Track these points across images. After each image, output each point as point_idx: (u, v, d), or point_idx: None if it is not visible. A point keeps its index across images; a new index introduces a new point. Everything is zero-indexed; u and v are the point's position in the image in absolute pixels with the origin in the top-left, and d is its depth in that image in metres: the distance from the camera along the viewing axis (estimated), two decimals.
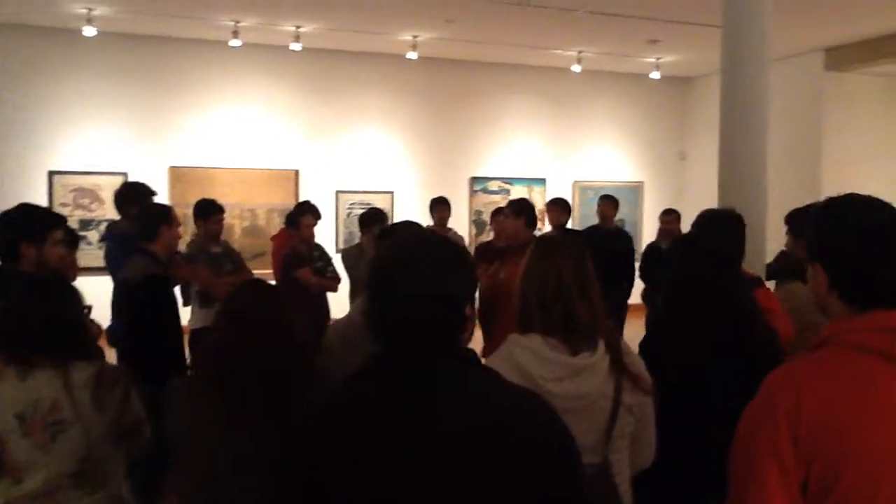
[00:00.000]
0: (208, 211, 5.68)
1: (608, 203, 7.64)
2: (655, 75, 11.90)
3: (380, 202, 11.61)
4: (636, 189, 13.13)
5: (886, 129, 11.44)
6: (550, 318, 2.10)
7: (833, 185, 10.27)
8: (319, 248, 6.47)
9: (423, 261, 1.49)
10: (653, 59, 11.60)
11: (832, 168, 10.60)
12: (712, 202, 9.42)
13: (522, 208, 5.15)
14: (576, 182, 12.73)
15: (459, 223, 11.13)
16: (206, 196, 6.23)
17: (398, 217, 11.51)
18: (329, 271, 6.31)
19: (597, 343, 2.08)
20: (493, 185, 12.25)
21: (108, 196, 9.55)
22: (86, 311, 2.59)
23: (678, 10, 9.02)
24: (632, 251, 7.54)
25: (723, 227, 3.35)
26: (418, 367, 1.46)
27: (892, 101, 11.51)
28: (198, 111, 10.64)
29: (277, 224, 11.19)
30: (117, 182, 10.75)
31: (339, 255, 6.76)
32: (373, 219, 6.60)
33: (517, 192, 12.38)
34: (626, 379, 2.10)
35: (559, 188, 12.45)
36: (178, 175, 10.55)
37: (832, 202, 1.64)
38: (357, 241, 10.21)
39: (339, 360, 2.34)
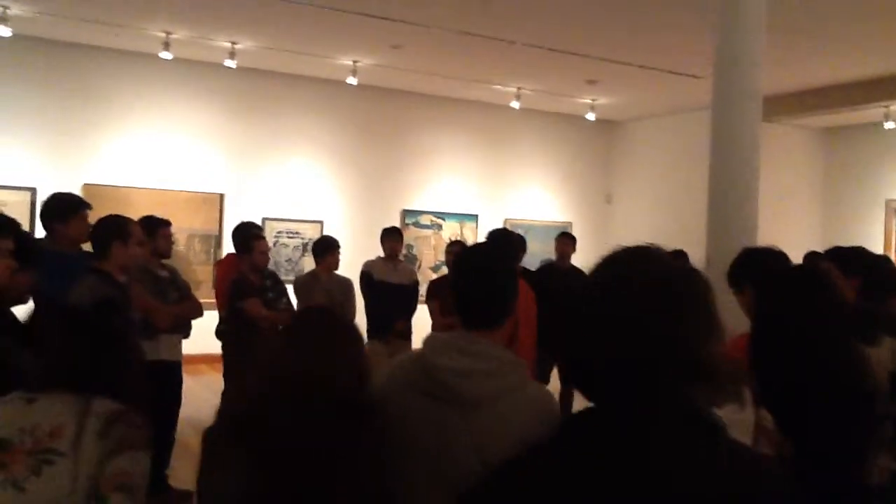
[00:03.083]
0: (152, 226, 5.10)
1: (567, 240, 7.44)
2: (590, 116, 11.95)
3: (308, 231, 11.13)
4: (565, 229, 13.05)
5: (809, 180, 11.84)
6: None
7: (767, 233, 10.52)
8: (273, 275, 5.95)
9: (647, 290, 1.15)
10: (589, 101, 11.64)
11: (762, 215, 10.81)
12: (638, 242, 9.47)
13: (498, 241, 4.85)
14: (507, 220, 12.58)
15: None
16: None
17: None
18: (283, 303, 5.80)
19: (741, 394, 1.76)
20: (425, 220, 11.95)
21: (13, 212, 8.68)
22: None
23: (617, 49, 9.03)
24: None
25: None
26: (635, 427, 1.11)
27: (813, 153, 11.92)
28: (118, 126, 9.92)
29: (199, 250, 10.55)
30: (23, 198, 9.93)
31: (292, 286, 6.28)
32: (327, 247, 6.18)
33: (449, 227, 12.16)
34: (762, 433, 1.80)
35: (491, 225, 12.25)
36: (92, 194, 9.68)
37: None
38: (289, 270, 9.87)
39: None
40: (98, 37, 9.27)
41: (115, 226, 3.71)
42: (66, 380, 1.93)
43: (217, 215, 10.63)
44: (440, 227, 12.12)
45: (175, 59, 9.38)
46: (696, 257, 6.81)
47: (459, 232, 12.19)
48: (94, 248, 3.67)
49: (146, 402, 2.18)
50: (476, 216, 12.38)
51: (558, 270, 7.20)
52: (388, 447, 1.80)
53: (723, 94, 4.82)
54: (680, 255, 5.99)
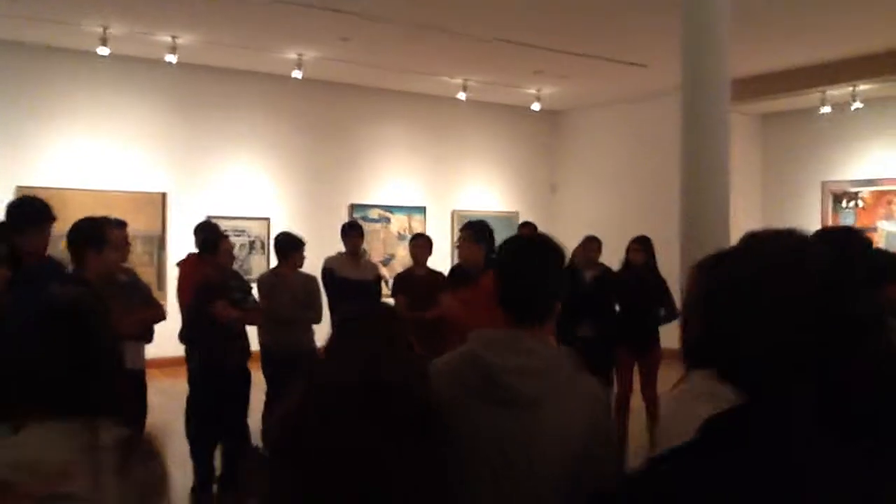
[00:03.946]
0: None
1: (529, 230, 7.42)
2: (536, 107, 11.99)
3: (255, 229, 10.89)
4: (512, 219, 13.10)
5: (748, 164, 12.11)
6: None
7: None
8: (237, 275, 5.77)
9: (820, 270, 1.09)
10: (534, 91, 11.67)
11: None
12: (583, 230, 9.64)
13: (481, 234, 4.79)
14: (454, 211, 12.55)
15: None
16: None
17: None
18: (250, 302, 5.63)
19: None
20: (374, 213, 11.81)
21: None
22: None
23: (564, 39, 9.06)
24: None
25: None
26: (804, 434, 1.05)
27: (752, 139, 12.19)
28: (54, 126, 9.49)
29: (141, 252, 10.17)
30: None
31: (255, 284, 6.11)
32: (293, 245, 6.02)
33: (397, 220, 12.06)
34: None
35: (438, 217, 12.24)
36: None
37: None
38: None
39: (467, 420, 1.84)
40: (31, 33, 8.85)
41: (90, 231, 3.50)
42: (51, 397, 1.65)
43: (159, 215, 10.29)
44: (388, 220, 12.01)
45: (113, 56, 9.01)
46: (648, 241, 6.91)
47: (408, 225, 12.10)
48: (70, 254, 3.47)
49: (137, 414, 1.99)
50: (424, 208, 12.31)
51: None
52: (450, 449, 1.74)
53: (691, 79, 4.86)
54: (593, 240, 6.05)
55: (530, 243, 2.04)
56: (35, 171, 9.37)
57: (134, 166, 10.02)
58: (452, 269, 5.95)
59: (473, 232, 4.76)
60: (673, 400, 1.77)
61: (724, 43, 4.83)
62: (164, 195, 10.26)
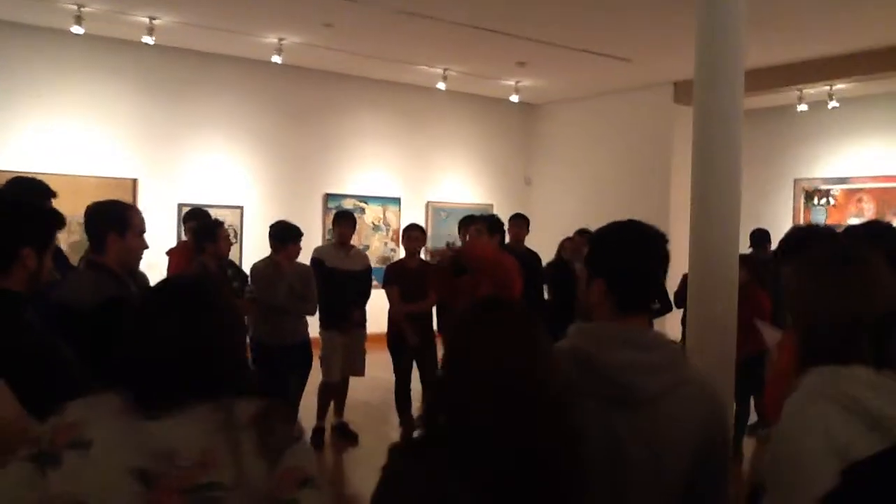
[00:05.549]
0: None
1: (521, 222, 7.33)
2: (514, 98, 11.93)
3: (228, 218, 10.60)
4: (486, 211, 13.04)
5: None
6: (862, 348, 1.68)
7: (681, 216, 10.81)
8: (232, 264, 5.59)
9: None
10: (513, 83, 11.60)
11: (679, 198, 11.06)
12: (556, 225, 9.55)
13: (496, 226, 4.79)
14: (429, 202, 12.44)
15: (313, 241, 10.32)
16: None
17: (248, 235, 10.58)
18: (247, 291, 5.45)
19: None
20: (348, 203, 11.62)
21: None
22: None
23: (548, 30, 8.97)
24: (542, 273, 7.28)
25: None
26: None
27: None
28: (22, 107, 9.10)
29: None
30: None
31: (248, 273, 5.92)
32: (291, 235, 5.85)
33: (372, 211, 11.91)
34: None
35: (413, 208, 12.11)
36: None
37: None
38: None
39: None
40: (1, 9, 8.46)
41: (111, 214, 3.25)
42: (180, 379, 1.50)
43: (130, 201, 9.95)
44: (363, 210, 11.84)
45: (87, 35, 8.68)
46: None
47: (382, 216, 11.97)
48: (89, 239, 3.25)
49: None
50: (399, 199, 12.17)
51: (517, 253, 7.09)
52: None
53: (706, 72, 4.84)
54: (584, 233, 6.11)
55: (641, 229, 1.91)
56: (1, 153, 8.99)
57: (105, 151, 9.68)
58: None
59: (488, 224, 4.75)
60: (793, 401, 1.69)
61: (741, 34, 4.83)
62: (134, 181, 9.94)
